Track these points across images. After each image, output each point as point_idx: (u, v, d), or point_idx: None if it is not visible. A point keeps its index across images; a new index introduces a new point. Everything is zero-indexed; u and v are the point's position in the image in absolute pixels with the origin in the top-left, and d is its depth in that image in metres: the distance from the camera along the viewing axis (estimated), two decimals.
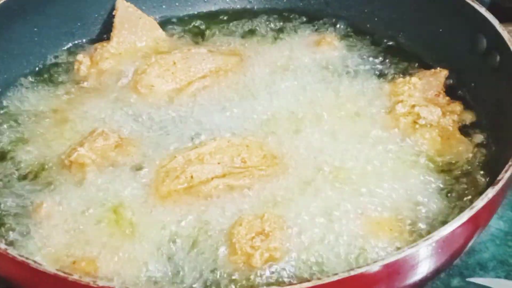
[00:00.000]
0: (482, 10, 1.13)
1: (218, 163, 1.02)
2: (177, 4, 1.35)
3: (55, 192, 1.01)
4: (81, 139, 1.07)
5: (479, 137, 1.09)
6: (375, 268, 0.79)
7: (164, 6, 1.35)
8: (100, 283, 0.77)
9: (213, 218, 0.97)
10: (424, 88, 1.15)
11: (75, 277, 0.78)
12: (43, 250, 0.94)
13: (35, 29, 1.24)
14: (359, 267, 0.78)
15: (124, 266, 0.92)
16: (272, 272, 0.91)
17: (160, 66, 1.18)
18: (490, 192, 0.86)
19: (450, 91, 1.17)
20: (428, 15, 1.23)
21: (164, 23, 1.32)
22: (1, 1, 1.18)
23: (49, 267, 0.79)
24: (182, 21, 1.34)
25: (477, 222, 0.88)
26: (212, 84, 1.18)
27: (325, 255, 0.92)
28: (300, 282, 0.77)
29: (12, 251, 0.82)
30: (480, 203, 0.85)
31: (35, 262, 0.80)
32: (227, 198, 0.99)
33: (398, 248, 0.91)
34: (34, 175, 1.04)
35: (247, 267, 0.91)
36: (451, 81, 1.18)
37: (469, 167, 1.04)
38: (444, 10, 1.20)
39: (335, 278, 0.78)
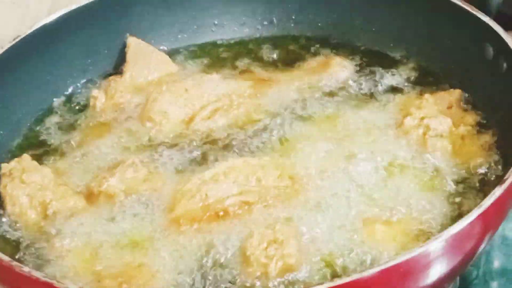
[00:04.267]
0: (486, 19, 1.20)
1: (233, 182, 1.09)
2: (185, 35, 1.44)
3: (78, 218, 1.10)
4: (111, 169, 1.15)
5: (491, 144, 1.16)
6: (387, 266, 0.85)
7: (172, 38, 1.44)
8: None
9: (229, 234, 1.04)
10: (436, 102, 1.22)
11: None
12: (65, 274, 1.02)
13: (47, 68, 1.33)
14: (372, 267, 0.85)
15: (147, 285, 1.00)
16: (288, 280, 0.98)
17: (171, 93, 1.26)
18: (498, 191, 0.93)
19: (462, 101, 1.24)
20: (434, 28, 1.31)
21: (174, 55, 1.41)
22: (12, 43, 1.28)
23: (73, 285, 0.87)
24: (192, 51, 1.43)
25: (487, 222, 0.94)
26: (226, 107, 1.26)
27: (339, 262, 0.99)
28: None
29: (35, 273, 0.89)
30: (487, 201, 0.91)
31: (58, 282, 0.88)
32: (243, 216, 1.06)
33: None
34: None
35: (264, 278, 0.98)
36: (465, 94, 1.25)
37: (482, 173, 1.11)
38: (450, 22, 1.28)
39: (354, 277, 0.84)
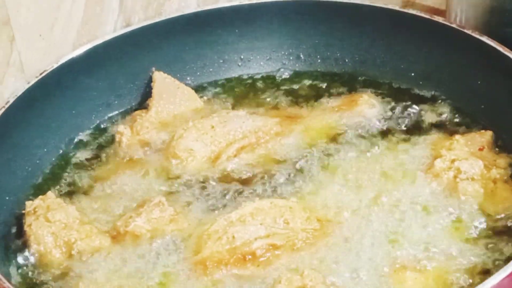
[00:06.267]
0: None
1: (261, 224, 1.08)
2: (211, 70, 1.44)
3: (103, 259, 1.09)
4: (137, 208, 1.15)
5: None
6: None
7: (198, 73, 1.43)
8: None
9: (257, 279, 1.03)
10: (467, 144, 1.20)
11: None
12: None
13: (72, 103, 1.33)
14: None
15: None
16: None
17: (197, 130, 1.25)
18: None
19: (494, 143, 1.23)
20: (465, 67, 1.30)
21: (199, 90, 1.41)
22: (38, 77, 1.28)
23: None
24: (217, 86, 1.42)
25: None
26: (253, 145, 1.26)
27: None
28: None
29: None
30: None
31: None
32: (270, 259, 1.06)
33: None
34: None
35: None
36: (496, 136, 1.23)
37: None
38: (481, 62, 1.27)
39: None
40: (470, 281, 1.01)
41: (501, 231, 1.08)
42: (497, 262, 1.03)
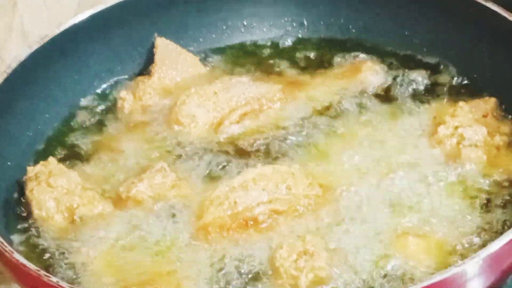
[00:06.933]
0: None
1: (263, 190, 1.08)
2: (214, 36, 1.43)
3: (105, 224, 1.09)
4: (140, 174, 1.15)
5: None
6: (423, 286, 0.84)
7: (201, 39, 1.42)
8: None
9: (259, 244, 1.03)
10: (471, 111, 1.19)
11: None
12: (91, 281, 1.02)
13: (75, 68, 1.32)
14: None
15: None
16: None
17: (199, 96, 1.25)
18: None
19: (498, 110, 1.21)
20: (470, 34, 1.28)
21: (202, 56, 1.39)
22: (40, 43, 1.27)
23: None
24: (220, 53, 1.41)
25: None
26: (256, 111, 1.25)
27: (371, 276, 0.98)
28: None
29: (63, 283, 0.89)
30: None
31: None
32: (272, 225, 1.05)
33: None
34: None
35: None
36: (500, 103, 1.22)
37: None
38: (486, 29, 1.25)
39: None
40: (472, 246, 1.01)
41: (504, 198, 1.08)
42: (499, 228, 1.03)
